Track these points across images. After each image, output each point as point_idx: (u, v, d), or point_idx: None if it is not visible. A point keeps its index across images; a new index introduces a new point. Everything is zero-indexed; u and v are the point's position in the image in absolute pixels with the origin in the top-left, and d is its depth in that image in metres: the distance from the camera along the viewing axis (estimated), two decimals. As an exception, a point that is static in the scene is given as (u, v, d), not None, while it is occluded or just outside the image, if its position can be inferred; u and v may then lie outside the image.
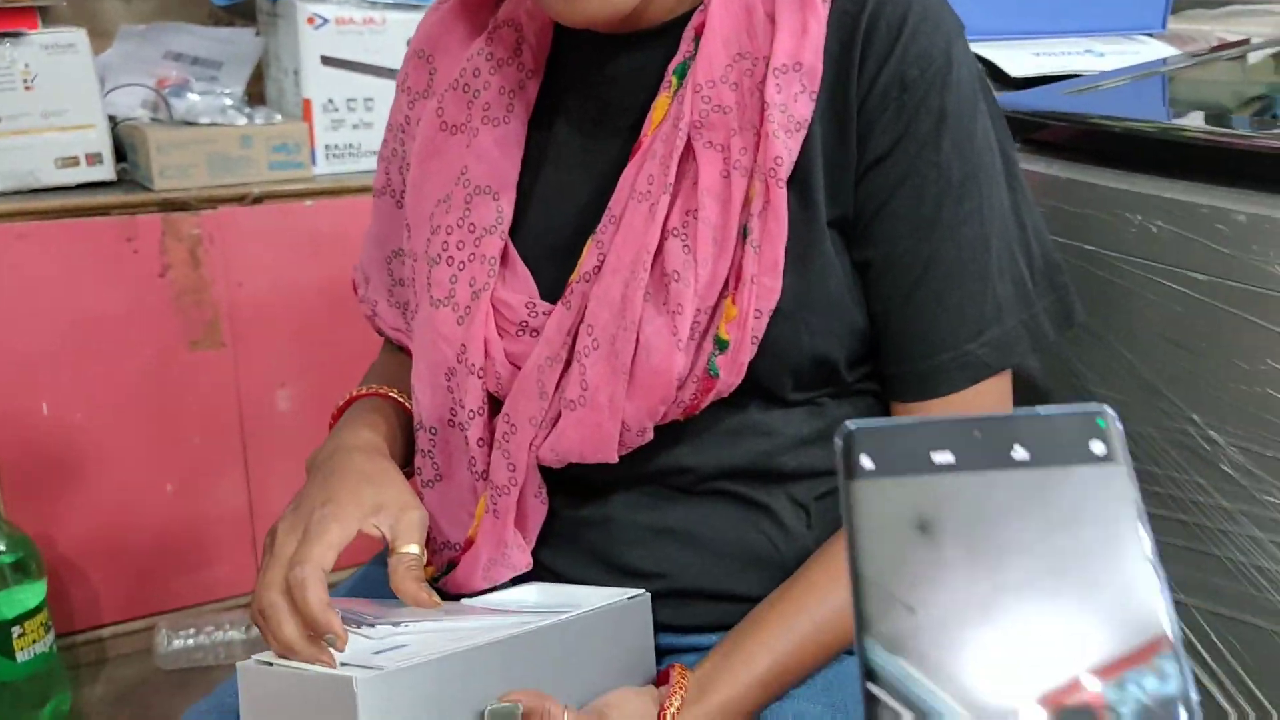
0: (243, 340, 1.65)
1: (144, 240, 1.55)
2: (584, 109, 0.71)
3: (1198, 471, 0.70)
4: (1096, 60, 0.97)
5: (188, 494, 1.65)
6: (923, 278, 0.65)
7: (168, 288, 1.58)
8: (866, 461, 0.27)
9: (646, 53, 0.68)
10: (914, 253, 0.65)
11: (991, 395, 0.68)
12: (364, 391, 0.79)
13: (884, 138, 0.64)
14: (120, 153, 1.64)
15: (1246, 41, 1.01)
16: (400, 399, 0.77)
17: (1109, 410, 0.27)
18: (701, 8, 0.66)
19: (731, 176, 0.63)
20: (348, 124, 1.72)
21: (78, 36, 1.50)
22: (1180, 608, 0.72)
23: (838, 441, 0.28)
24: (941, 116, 0.63)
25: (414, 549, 0.61)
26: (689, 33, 0.66)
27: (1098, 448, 0.27)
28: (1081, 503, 0.26)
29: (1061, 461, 0.27)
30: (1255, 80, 0.95)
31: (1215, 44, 1.08)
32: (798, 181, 0.64)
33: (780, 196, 0.62)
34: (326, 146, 1.71)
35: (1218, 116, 0.79)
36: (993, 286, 0.66)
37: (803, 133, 0.63)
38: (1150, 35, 1.07)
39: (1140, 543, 0.25)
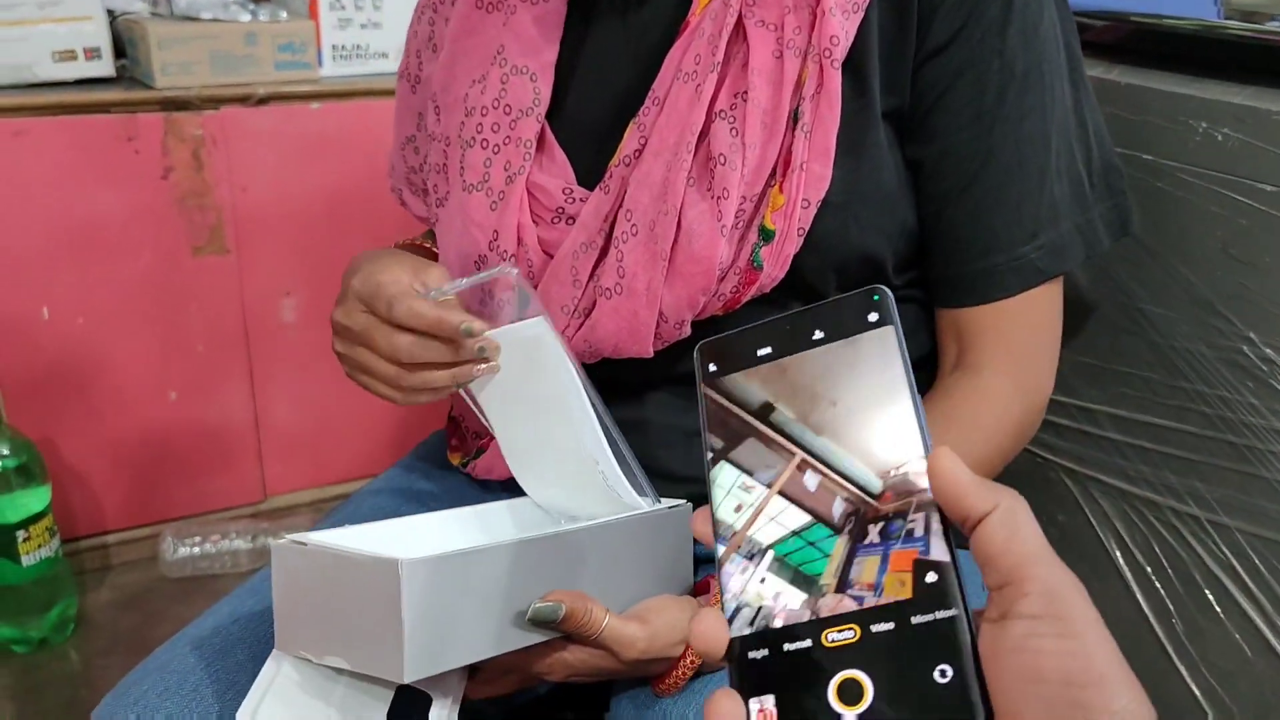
0: (247, 246, 1.61)
1: (145, 140, 1.50)
2: None
3: (1251, 392, 0.67)
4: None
5: (192, 402, 1.63)
6: (980, 173, 0.62)
7: (170, 190, 1.54)
8: (712, 366, 0.36)
9: None
10: (972, 146, 0.62)
11: (1042, 303, 0.65)
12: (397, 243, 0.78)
13: (946, 24, 0.60)
14: (120, 48, 1.58)
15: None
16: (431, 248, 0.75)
17: (884, 288, 0.35)
18: None
19: (784, 56, 0.59)
20: (355, 23, 1.66)
21: (73, -78, 1.43)
22: (1224, 530, 0.71)
23: (695, 355, 0.36)
24: (1008, 4, 0.60)
25: (434, 273, 0.62)
26: None
27: (873, 317, 0.34)
28: (864, 361, 0.34)
29: (850, 334, 0.34)
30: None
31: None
32: (852, 67, 0.60)
33: (835, 79, 0.58)
34: (334, 47, 1.65)
35: (1274, 15, 0.75)
36: (1050, 186, 0.63)
37: (860, 14, 0.59)
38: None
39: (907, 381, 0.33)
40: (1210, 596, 0.72)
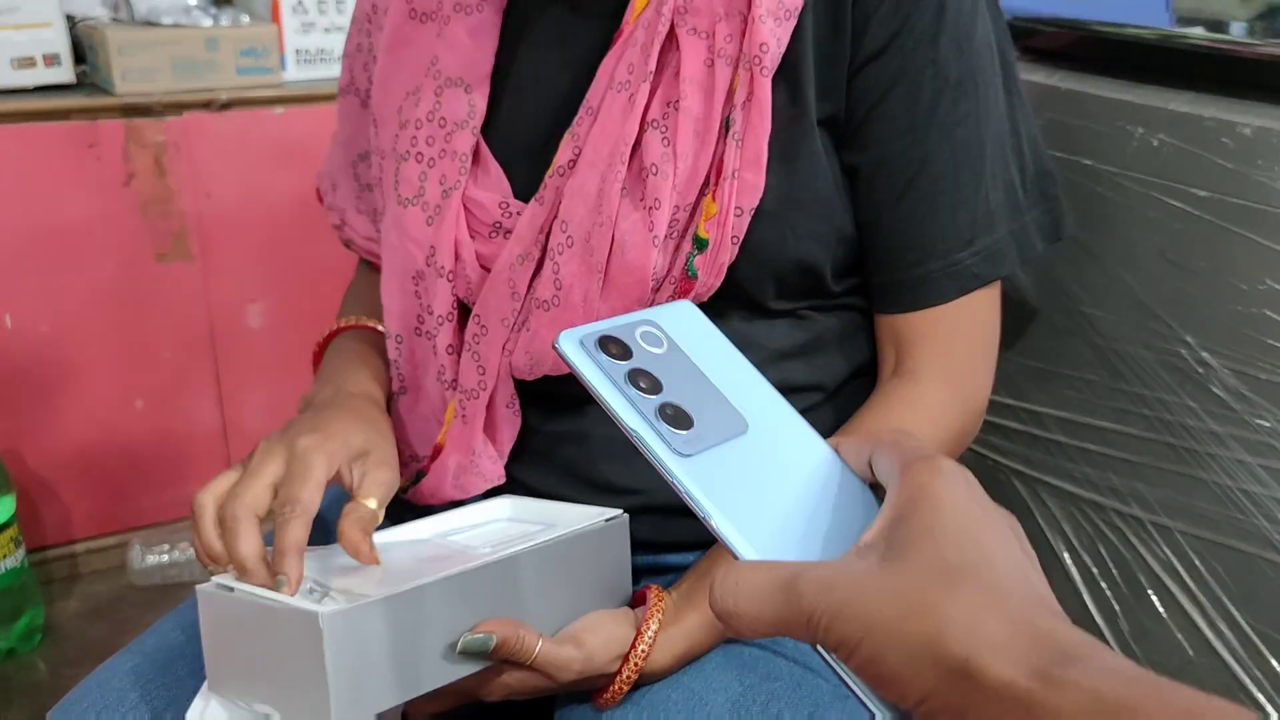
0: (212, 252, 1.60)
1: (106, 146, 1.49)
2: None
3: (1189, 394, 0.68)
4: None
5: (158, 410, 1.62)
6: (915, 180, 0.62)
7: (133, 196, 1.53)
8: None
9: None
10: (907, 154, 0.62)
11: (979, 308, 0.65)
12: (346, 325, 0.76)
13: (880, 32, 0.60)
14: (79, 54, 1.57)
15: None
16: (383, 331, 0.74)
17: None
18: None
19: (715, 65, 0.59)
20: (319, 27, 1.65)
21: (30, -72, 1.42)
22: (1165, 532, 0.71)
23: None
24: (940, 11, 0.60)
25: (373, 504, 0.58)
26: None
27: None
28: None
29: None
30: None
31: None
32: (787, 74, 0.60)
33: (765, 87, 0.58)
34: (297, 51, 1.65)
35: (1224, 23, 0.75)
36: (985, 193, 0.63)
37: (793, 21, 0.59)
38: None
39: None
40: (1154, 598, 0.72)
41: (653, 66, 0.59)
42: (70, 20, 1.56)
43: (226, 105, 1.56)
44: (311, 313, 1.66)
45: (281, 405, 1.70)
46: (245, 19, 1.60)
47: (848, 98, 0.62)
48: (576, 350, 0.35)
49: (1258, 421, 0.65)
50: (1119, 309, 0.72)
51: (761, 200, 0.60)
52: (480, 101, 0.66)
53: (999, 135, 0.63)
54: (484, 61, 0.66)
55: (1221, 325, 0.66)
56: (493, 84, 0.66)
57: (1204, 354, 0.67)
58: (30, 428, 1.54)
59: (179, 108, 1.53)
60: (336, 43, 1.66)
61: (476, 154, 0.66)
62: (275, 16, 1.62)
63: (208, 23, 1.56)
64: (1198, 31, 0.70)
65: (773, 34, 0.58)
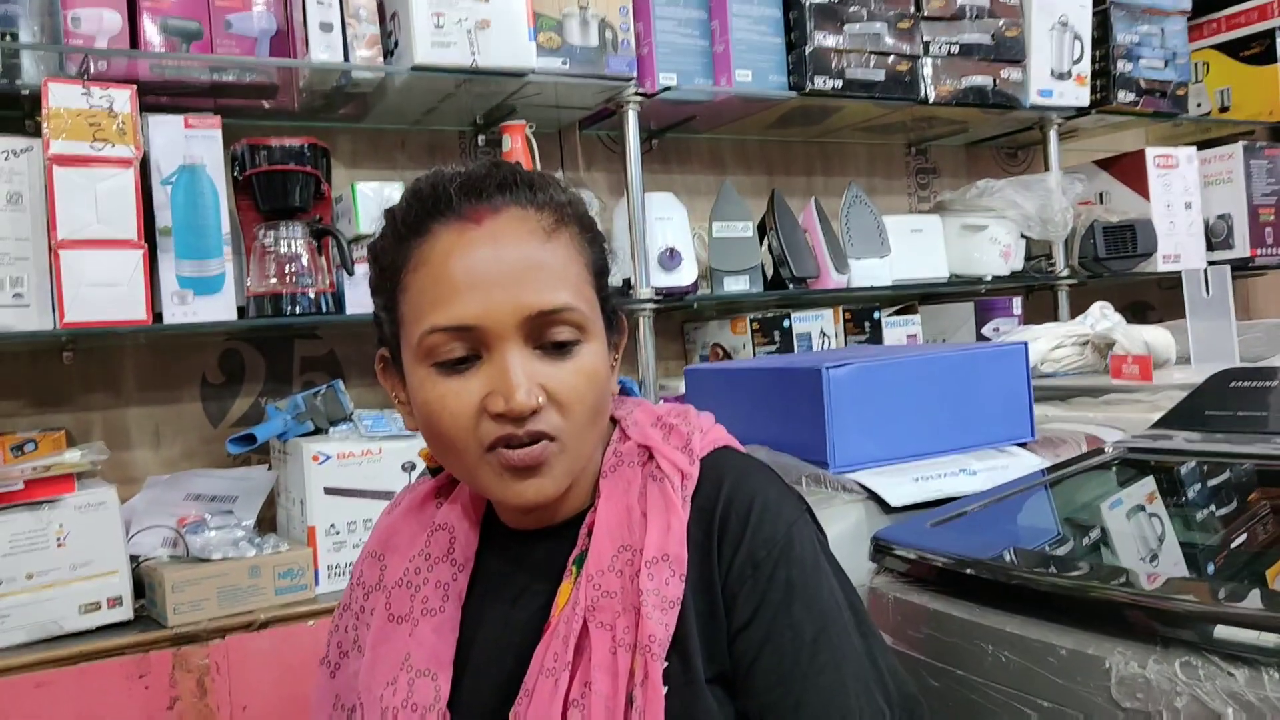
0: (245, 764, 1.70)
1: (155, 676, 1.65)
2: (505, 593, 0.85)
3: None
4: (969, 480, 1.12)
5: None
6: None
7: (174, 718, 1.67)
8: None
9: (554, 544, 0.84)
10: (782, 701, 0.76)
11: None
12: None
13: (745, 608, 0.77)
14: (139, 589, 1.78)
15: (1100, 451, 1.17)
16: None
17: None
18: (592, 507, 0.82)
19: (618, 653, 0.76)
20: (348, 544, 1.88)
21: (108, 495, 1.69)
22: None
23: None
24: (789, 587, 0.77)
25: None
26: (584, 529, 0.82)
27: None
28: None
29: None
30: (1101, 491, 1.10)
31: (1085, 446, 1.25)
32: (678, 647, 0.76)
33: (657, 671, 0.74)
34: (328, 566, 1.86)
35: (1038, 553, 0.92)
36: None
37: (676, 608, 0.76)
38: (1022, 445, 1.24)
39: None
40: None
41: (570, 655, 0.76)
42: (134, 560, 1.80)
43: (265, 624, 1.74)
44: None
45: None
46: (284, 546, 1.83)
47: (731, 659, 0.77)
48: None
49: None
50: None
51: None
52: (445, 685, 0.82)
53: (859, 673, 0.77)
54: (447, 651, 0.83)
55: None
56: (455, 665, 0.83)
57: None
58: None
59: (222, 632, 1.71)
60: (363, 556, 1.87)
61: None
62: (311, 540, 1.85)
63: (252, 553, 1.79)
64: (1012, 562, 0.86)
65: (660, 623, 0.75)
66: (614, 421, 0.89)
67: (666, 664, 0.75)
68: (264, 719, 1.73)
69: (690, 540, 0.79)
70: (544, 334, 0.77)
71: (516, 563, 0.86)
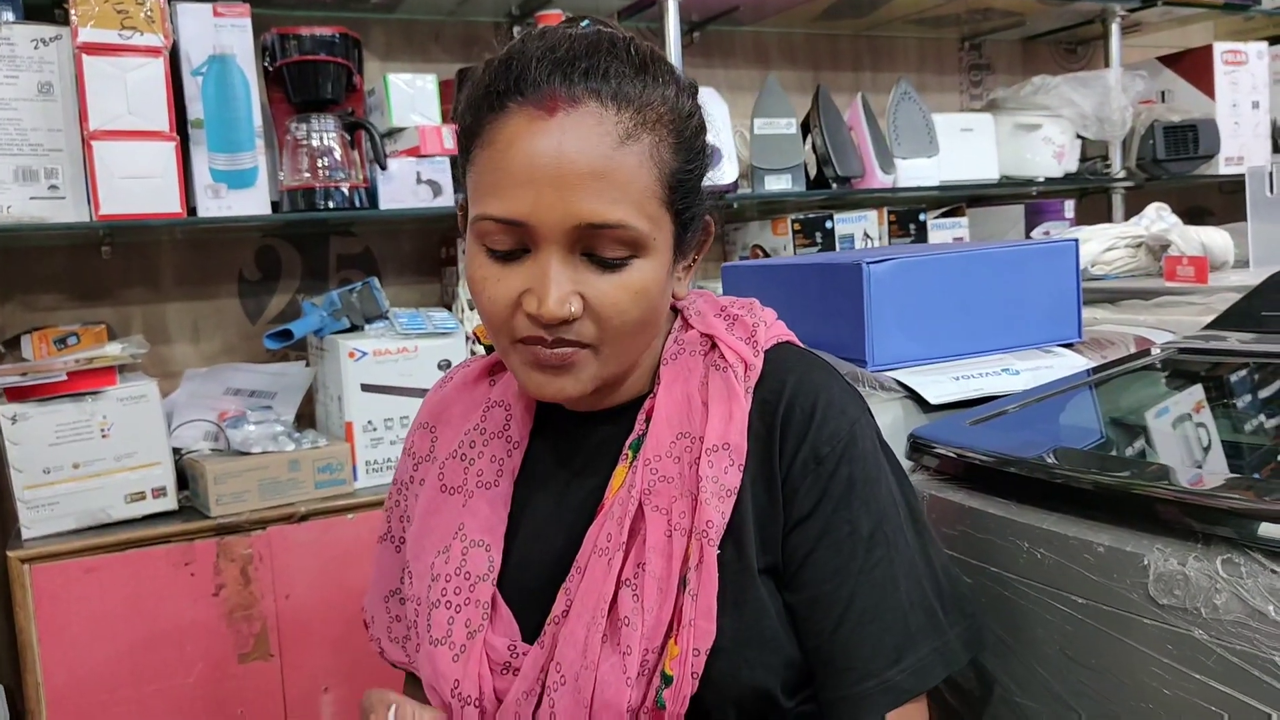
0: (289, 650, 1.75)
1: (200, 564, 1.70)
2: (559, 474, 0.85)
3: (1111, 782, 0.75)
4: (1011, 380, 1.08)
5: (233, 807, 1.71)
6: (844, 616, 0.75)
7: (220, 605, 1.71)
8: None
9: (610, 428, 0.83)
10: (835, 595, 0.75)
11: (914, 716, 0.76)
12: None
13: (805, 501, 0.76)
14: (182, 481, 1.82)
15: (1148, 352, 1.13)
16: None
17: None
18: (652, 394, 0.81)
19: (673, 536, 0.75)
20: (385, 441, 1.90)
21: (149, 388, 1.71)
22: None
23: None
24: (850, 483, 0.76)
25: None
26: (642, 415, 0.81)
27: None
28: None
29: None
30: (1147, 394, 1.06)
31: (1134, 348, 1.20)
32: (733, 535, 0.76)
33: (711, 555, 0.74)
34: (366, 463, 1.88)
35: (1077, 452, 0.89)
36: (905, 619, 0.75)
37: (734, 497, 0.75)
38: (1068, 346, 1.20)
39: None
40: None
41: (625, 536, 0.76)
42: (177, 453, 1.83)
43: (305, 517, 1.77)
44: (377, 700, 1.77)
45: (348, 795, 1.77)
46: (323, 441, 1.85)
47: (783, 551, 0.77)
48: None
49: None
50: (1042, 699, 0.81)
51: (717, 640, 0.74)
52: (497, 557, 0.82)
53: (912, 571, 0.76)
54: (500, 525, 0.83)
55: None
56: (506, 540, 0.83)
57: (1112, 745, 0.75)
58: (115, 834, 1.63)
59: (264, 523, 1.75)
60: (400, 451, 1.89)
61: (493, 601, 0.81)
62: (349, 436, 1.87)
63: (291, 447, 1.81)
64: (1051, 460, 0.84)
65: (717, 510, 0.74)
66: (675, 311, 0.87)
67: (720, 551, 0.75)
68: (306, 606, 1.77)
69: (751, 431, 0.78)
70: (593, 245, 0.73)
71: (572, 444, 0.85)
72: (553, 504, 0.84)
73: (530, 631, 0.79)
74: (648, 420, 0.81)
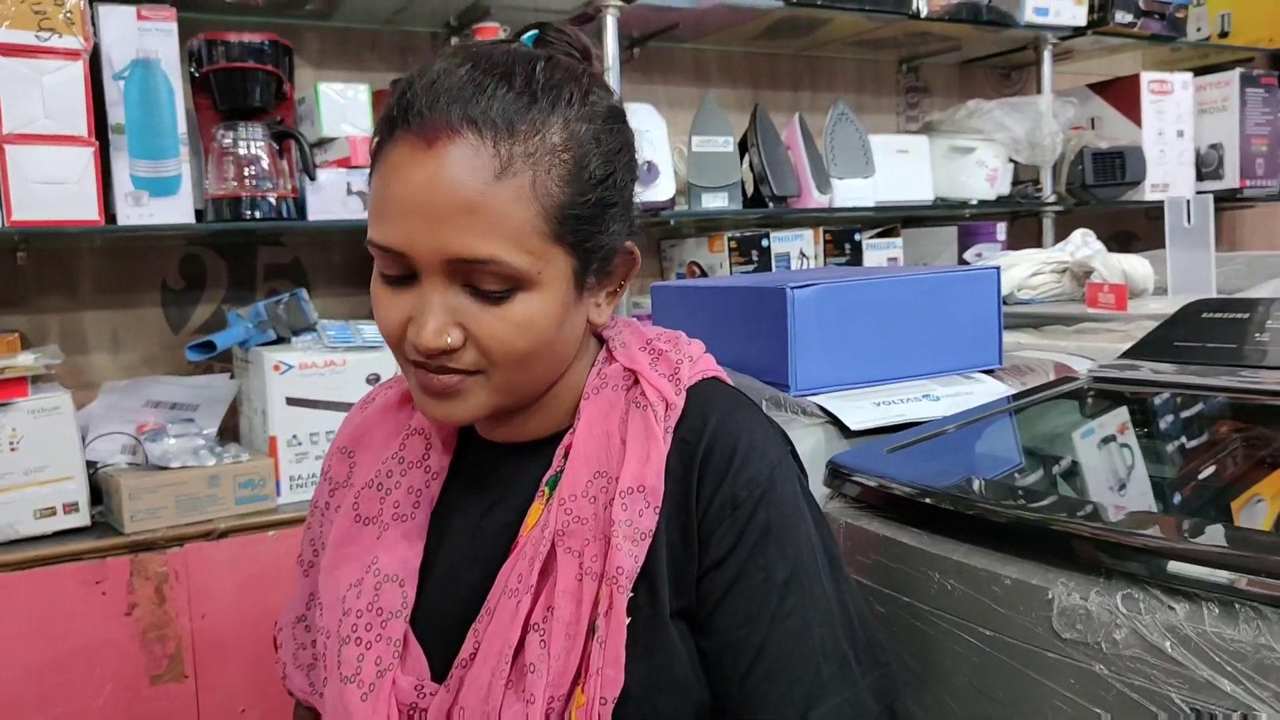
0: (204, 671, 1.71)
1: (112, 582, 1.64)
2: (476, 505, 0.83)
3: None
4: (932, 405, 1.09)
5: (144, 833, 1.65)
6: (755, 663, 0.74)
7: (132, 624, 1.66)
8: None
9: (529, 461, 0.81)
10: (746, 641, 0.74)
11: None
12: None
13: (720, 546, 0.75)
14: (96, 496, 1.76)
15: (1065, 380, 1.14)
16: None
17: None
18: (571, 429, 0.79)
19: (584, 580, 0.74)
20: (310, 456, 1.86)
21: (63, 399, 1.66)
22: None
23: None
24: (767, 528, 0.75)
25: None
26: (560, 450, 0.80)
27: None
28: None
29: None
30: (1062, 422, 1.08)
31: (1053, 374, 1.22)
32: (646, 579, 0.74)
33: (621, 602, 0.72)
34: (290, 478, 1.84)
35: (989, 482, 0.90)
36: (816, 668, 0.74)
37: (648, 541, 0.74)
38: (989, 372, 1.21)
39: None
40: None
41: (535, 578, 0.74)
42: (92, 466, 1.77)
43: (224, 534, 1.73)
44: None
45: (264, 820, 1.72)
46: (245, 456, 1.81)
47: (697, 595, 0.75)
48: None
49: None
50: (953, 732, 0.81)
51: (627, 686, 0.72)
52: (411, 593, 0.80)
53: (827, 619, 0.75)
54: (415, 559, 0.81)
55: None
56: (420, 574, 0.81)
57: (1017, 778, 0.75)
58: None
59: (181, 540, 1.70)
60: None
61: (405, 639, 0.79)
62: (273, 450, 1.83)
63: (212, 462, 1.77)
64: (958, 490, 0.84)
65: (629, 555, 0.73)
66: (601, 341, 0.85)
67: (633, 594, 0.73)
68: (224, 626, 1.73)
69: (669, 472, 0.76)
70: (470, 278, 0.71)
71: (490, 475, 0.83)
72: (469, 537, 0.82)
73: (441, 671, 0.78)
74: (565, 456, 0.79)
